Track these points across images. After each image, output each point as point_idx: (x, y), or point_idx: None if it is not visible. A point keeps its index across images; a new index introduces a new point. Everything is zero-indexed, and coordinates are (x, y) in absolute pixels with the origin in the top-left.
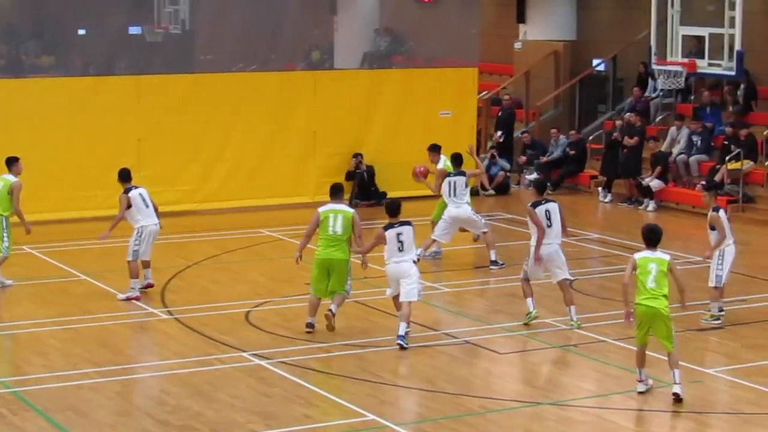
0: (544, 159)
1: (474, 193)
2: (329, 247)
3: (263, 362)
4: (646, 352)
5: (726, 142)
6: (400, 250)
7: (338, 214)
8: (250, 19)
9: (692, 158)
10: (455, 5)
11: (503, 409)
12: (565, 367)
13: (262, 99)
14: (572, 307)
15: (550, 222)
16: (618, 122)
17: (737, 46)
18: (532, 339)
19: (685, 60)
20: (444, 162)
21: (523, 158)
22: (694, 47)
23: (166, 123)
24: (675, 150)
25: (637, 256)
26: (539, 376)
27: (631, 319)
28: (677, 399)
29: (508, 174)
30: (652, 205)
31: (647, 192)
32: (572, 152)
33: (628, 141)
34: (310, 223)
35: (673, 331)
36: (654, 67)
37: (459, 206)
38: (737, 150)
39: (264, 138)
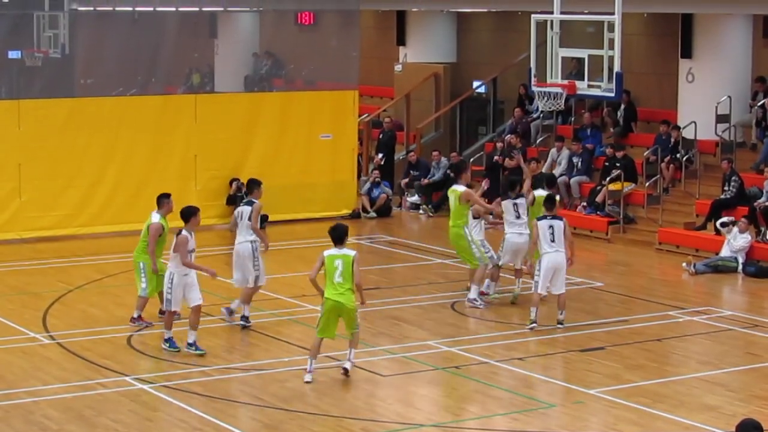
0: (425, 181)
1: (355, 215)
2: None
3: (145, 386)
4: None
5: (606, 164)
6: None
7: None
8: (130, 43)
9: (573, 179)
10: (335, 28)
11: (386, 431)
12: (448, 389)
13: (143, 123)
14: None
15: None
16: (499, 144)
17: (617, 68)
18: (414, 361)
19: (565, 82)
20: None
21: (404, 180)
22: (574, 69)
23: (46, 147)
24: (556, 171)
25: (326, 253)
26: (422, 398)
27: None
28: (346, 373)
29: (389, 197)
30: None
31: None
32: (453, 174)
33: (509, 163)
34: None
35: (356, 319)
36: (534, 88)
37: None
38: (617, 171)
39: (144, 162)
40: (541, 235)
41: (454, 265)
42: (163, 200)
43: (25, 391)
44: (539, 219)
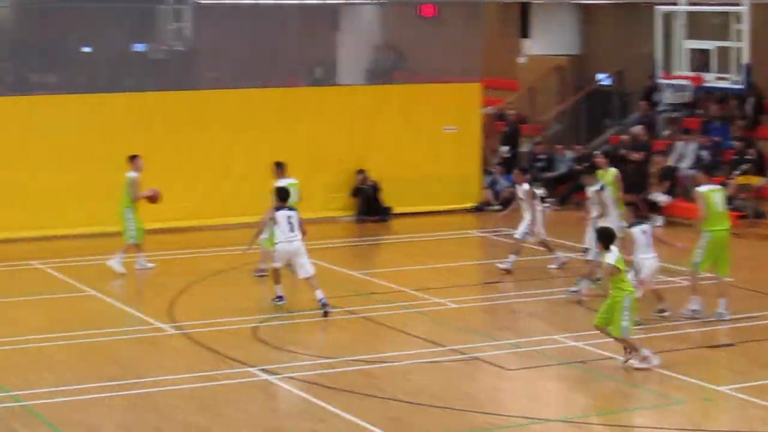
0: (549, 174)
1: (479, 209)
2: None
3: (271, 378)
4: None
5: (735, 157)
6: (291, 230)
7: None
8: (253, 36)
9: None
10: (458, 20)
11: (511, 425)
12: (574, 384)
13: (266, 115)
14: None
15: None
16: (624, 137)
17: (744, 60)
18: (540, 355)
19: (692, 74)
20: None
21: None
22: (701, 61)
23: (169, 139)
24: (682, 165)
25: (702, 189)
26: (548, 393)
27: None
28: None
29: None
30: (659, 221)
31: (654, 207)
32: (581, 167)
33: (634, 156)
34: None
35: None
36: (660, 81)
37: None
38: (746, 165)
39: (269, 154)
40: None
41: (575, 258)
42: (136, 159)
43: (151, 380)
44: None
